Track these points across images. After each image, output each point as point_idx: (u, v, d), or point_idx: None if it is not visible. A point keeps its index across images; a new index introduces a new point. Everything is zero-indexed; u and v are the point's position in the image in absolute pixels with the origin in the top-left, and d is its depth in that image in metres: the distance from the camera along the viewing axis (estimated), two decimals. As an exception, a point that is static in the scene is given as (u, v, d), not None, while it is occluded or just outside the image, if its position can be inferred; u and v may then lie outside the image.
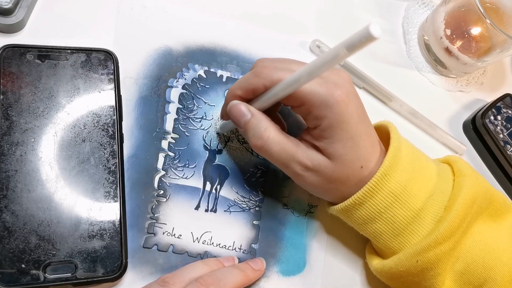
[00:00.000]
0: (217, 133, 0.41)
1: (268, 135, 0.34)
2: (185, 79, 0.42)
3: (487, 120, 0.47)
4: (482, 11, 0.42)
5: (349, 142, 0.34)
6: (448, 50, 0.48)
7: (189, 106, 0.41)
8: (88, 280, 0.32)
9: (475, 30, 0.47)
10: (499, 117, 0.48)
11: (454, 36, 0.48)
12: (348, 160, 0.34)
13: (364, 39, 0.25)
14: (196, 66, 0.42)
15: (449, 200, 0.36)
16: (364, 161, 0.35)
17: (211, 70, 0.43)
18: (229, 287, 0.34)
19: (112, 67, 0.38)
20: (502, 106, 0.48)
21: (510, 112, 0.48)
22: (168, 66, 0.41)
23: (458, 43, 0.48)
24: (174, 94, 0.41)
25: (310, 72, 0.30)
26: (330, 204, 0.39)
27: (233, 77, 0.43)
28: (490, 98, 0.50)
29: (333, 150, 0.34)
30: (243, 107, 0.35)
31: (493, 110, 0.48)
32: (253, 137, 0.35)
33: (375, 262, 0.38)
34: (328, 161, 0.35)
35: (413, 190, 0.35)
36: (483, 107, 0.48)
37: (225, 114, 0.38)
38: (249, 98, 0.36)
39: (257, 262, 0.38)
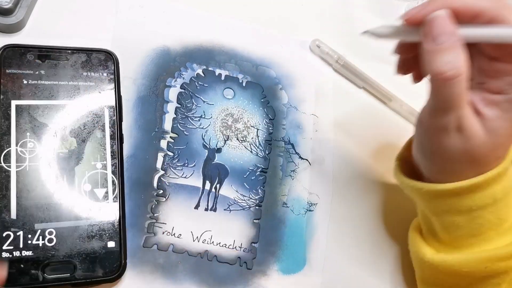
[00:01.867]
0: (369, 33, 0.32)
1: (463, 72, 0.28)
2: (184, 78, 0.41)
3: None
4: None
5: None
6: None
7: (188, 105, 0.41)
8: (87, 280, 0.32)
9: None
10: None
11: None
12: (499, 143, 0.31)
13: None
14: (194, 65, 0.42)
15: None
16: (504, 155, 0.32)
17: (209, 69, 0.43)
18: None
19: (113, 68, 0.38)
20: None
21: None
22: (166, 65, 0.41)
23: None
24: (172, 93, 0.41)
25: None
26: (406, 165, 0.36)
27: (231, 75, 0.43)
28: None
29: (500, 123, 0.30)
30: (452, 26, 0.29)
31: None
32: (446, 64, 0.28)
33: (433, 255, 0.35)
34: (482, 135, 0.31)
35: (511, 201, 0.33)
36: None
37: (416, 19, 0.30)
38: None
39: None
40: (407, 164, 0.38)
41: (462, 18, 0.29)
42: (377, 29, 0.31)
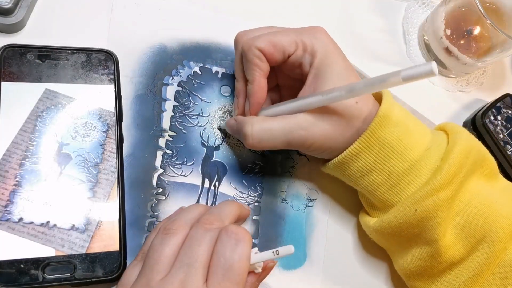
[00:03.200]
0: (219, 128, 0.41)
1: (251, 128, 0.35)
2: (181, 76, 0.41)
3: (487, 120, 0.47)
4: (482, 11, 0.42)
5: (341, 75, 0.35)
6: (448, 50, 0.48)
7: (185, 103, 0.41)
8: (87, 280, 0.32)
9: (475, 30, 0.47)
10: (499, 117, 0.48)
11: (454, 36, 0.48)
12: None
13: (424, 74, 0.27)
14: (191, 63, 0.42)
15: (445, 152, 0.36)
16: (358, 97, 0.35)
17: (206, 66, 0.42)
18: (229, 219, 0.33)
19: (113, 68, 0.38)
20: (502, 106, 0.48)
21: (510, 112, 0.48)
22: (163, 63, 0.41)
23: (458, 43, 0.48)
24: (170, 91, 0.41)
25: (352, 90, 0.32)
26: (325, 162, 0.39)
27: (228, 72, 0.43)
28: (490, 98, 0.50)
29: (328, 87, 0.35)
30: (231, 120, 0.39)
31: (493, 110, 0.48)
32: (243, 139, 0.36)
33: (373, 222, 0.38)
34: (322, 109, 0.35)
35: (409, 142, 0.36)
36: (483, 107, 0.48)
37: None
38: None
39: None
40: None
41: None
42: (222, 125, 0.41)
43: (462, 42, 0.47)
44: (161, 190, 0.38)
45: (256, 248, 0.31)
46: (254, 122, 0.36)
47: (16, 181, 0.33)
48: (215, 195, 0.39)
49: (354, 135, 0.36)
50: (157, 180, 0.38)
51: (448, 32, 0.48)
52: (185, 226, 0.32)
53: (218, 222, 0.32)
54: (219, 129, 0.41)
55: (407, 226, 0.35)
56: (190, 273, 0.29)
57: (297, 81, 0.38)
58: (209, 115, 0.41)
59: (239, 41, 0.38)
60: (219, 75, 0.43)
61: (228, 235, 0.30)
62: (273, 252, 0.30)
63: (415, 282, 0.38)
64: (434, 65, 0.27)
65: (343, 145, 0.36)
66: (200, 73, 0.42)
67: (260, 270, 0.32)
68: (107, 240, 0.34)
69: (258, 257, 0.31)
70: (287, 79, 0.40)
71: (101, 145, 0.36)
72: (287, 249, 0.30)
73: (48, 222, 0.33)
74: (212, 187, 0.40)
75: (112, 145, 0.36)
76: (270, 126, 0.35)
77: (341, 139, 0.36)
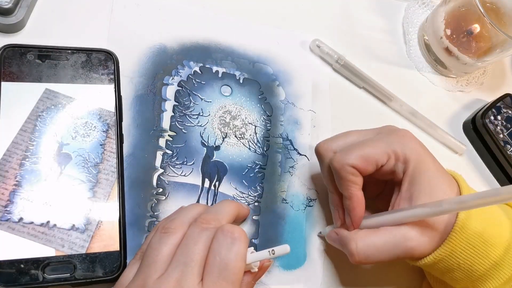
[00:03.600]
0: (319, 235, 0.41)
1: (355, 246, 0.35)
2: (181, 76, 0.41)
3: (487, 120, 0.47)
4: (482, 11, 0.42)
5: (435, 179, 0.35)
6: (448, 50, 0.48)
7: (186, 103, 0.41)
8: (87, 280, 0.32)
9: (475, 30, 0.47)
10: (499, 117, 0.48)
11: (454, 36, 0.48)
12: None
13: None
14: (191, 63, 0.42)
15: None
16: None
17: (206, 66, 0.42)
18: (227, 219, 0.33)
19: (113, 68, 0.38)
20: (502, 106, 0.48)
21: (510, 112, 0.48)
22: (163, 63, 0.41)
23: (458, 43, 0.47)
24: (170, 91, 0.41)
25: (462, 202, 0.32)
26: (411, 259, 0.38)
27: (228, 72, 0.43)
28: (490, 98, 0.50)
29: (424, 192, 0.35)
30: (332, 233, 0.38)
31: (493, 110, 0.48)
32: (349, 256, 0.36)
33: None
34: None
35: (490, 238, 0.34)
36: (483, 107, 0.48)
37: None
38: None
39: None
40: None
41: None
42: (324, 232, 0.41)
43: (462, 42, 0.47)
44: (161, 190, 0.38)
45: (252, 248, 0.31)
46: (358, 239, 0.35)
47: (16, 181, 0.33)
48: (215, 195, 0.39)
49: (442, 232, 0.35)
50: (157, 180, 0.38)
51: (448, 32, 0.48)
52: (183, 225, 0.32)
53: (215, 222, 0.32)
54: (319, 236, 0.41)
55: None
56: (186, 272, 0.29)
57: (387, 184, 0.39)
58: (209, 114, 0.41)
59: (324, 155, 0.37)
60: (220, 75, 0.43)
61: (224, 234, 0.30)
62: (269, 251, 0.31)
63: None
64: None
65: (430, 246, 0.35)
66: (201, 72, 0.42)
67: (256, 270, 0.32)
68: (107, 240, 0.34)
69: (254, 256, 0.31)
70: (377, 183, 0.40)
71: (101, 145, 0.36)
72: (282, 249, 0.30)
73: (48, 222, 0.33)
74: (212, 187, 0.40)
75: (112, 145, 0.36)
76: (375, 241, 0.35)
77: (431, 243, 0.35)
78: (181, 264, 0.29)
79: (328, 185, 0.39)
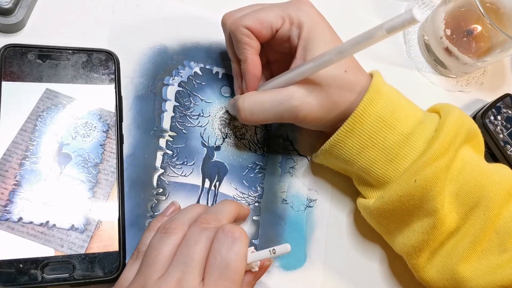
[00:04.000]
0: (226, 111, 0.42)
1: (242, 102, 0.37)
2: (181, 76, 0.41)
3: (487, 120, 0.47)
4: (482, 11, 0.42)
5: (329, 45, 0.35)
6: (448, 50, 0.48)
7: (186, 103, 0.41)
8: (86, 280, 0.32)
9: (475, 30, 0.47)
10: (499, 117, 0.48)
11: (454, 36, 0.48)
12: (330, 69, 0.35)
13: (407, 22, 0.27)
14: (192, 63, 0.42)
15: (439, 123, 0.36)
16: (346, 66, 0.36)
17: (207, 67, 0.42)
18: (227, 218, 0.33)
19: (113, 68, 0.38)
20: (502, 106, 0.48)
21: (510, 112, 0.48)
22: (163, 64, 0.41)
23: (458, 43, 0.47)
24: (170, 92, 0.41)
25: (341, 51, 0.31)
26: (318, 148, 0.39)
27: (229, 73, 0.43)
28: (490, 98, 0.50)
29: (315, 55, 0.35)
30: (231, 101, 0.40)
31: (493, 110, 0.48)
32: (238, 114, 0.37)
33: (373, 201, 0.38)
34: (315, 79, 0.36)
35: (402, 116, 0.36)
36: (483, 107, 0.48)
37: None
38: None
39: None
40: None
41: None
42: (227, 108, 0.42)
43: (462, 42, 0.47)
44: (161, 190, 0.38)
45: (253, 247, 0.31)
46: (246, 96, 0.37)
47: (16, 180, 0.33)
48: (215, 195, 0.39)
49: (347, 109, 0.36)
50: (158, 180, 0.38)
51: (448, 32, 0.48)
52: (184, 225, 0.32)
53: (216, 222, 0.32)
54: (227, 111, 0.42)
55: (408, 199, 0.35)
56: (186, 272, 0.29)
57: (287, 56, 0.39)
58: (209, 115, 0.41)
59: (226, 23, 0.38)
60: (220, 76, 0.43)
61: (225, 234, 0.30)
62: (269, 251, 0.30)
63: (417, 259, 0.37)
64: (415, 11, 0.26)
65: (338, 118, 0.37)
66: (201, 73, 0.42)
67: (257, 269, 0.32)
68: (107, 241, 0.34)
69: (255, 256, 0.31)
70: (277, 54, 0.40)
71: (101, 145, 0.36)
72: (283, 248, 0.30)
73: (47, 222, 0.33)
74: (213, 188, 0.40)
75: (112, 145, 0.36)
76: (261, 99, 0.36)
77: (335, 112, 0.36)
78: (181, 264, 0.29)
79: (230, 55, 0.40)
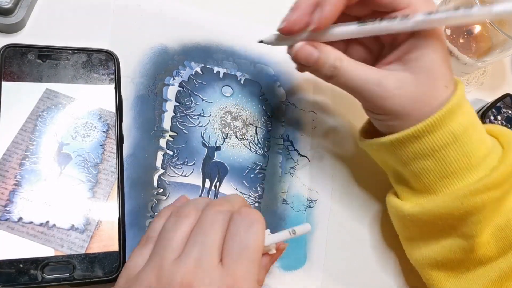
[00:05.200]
0: (262, 42, 0.37)
1: (340, 64, 0.34)
2: (182, 76, 0.41)
3: (487, 120, 0.47)
4: None
5: (440, 59, 0.34)
6: (448, 50, 0.48)
7: (187, 103, 0.41)
8: (86, 280, 0.32)
9: (475, 30, 0.47)
10: (499, 117, 0.48)
11: (454, 36, 0.47)
12: (436, 75, 0.34)
13: None
14: (192, 63, 0.42)
15: (502, 155, 0.35)
16: (447, 81, 0.34)
17: (208, 67, 0.42)
18: (239, 205, 0.32)
19: (113, 68, 0.38)
20: (502, 106, 0.48)
21: (510, 112, 0.48)
22: (164, 64, 0.41)
23: (458, 43, 0.47)
24: (171, 92, 0.41)
25: (430, 14, 0.31)
26: (372, 136, 0.38)
27: (229, 73, 0.43)
28: (490, 98, 0.50)
29: (424, 62, 0.33)
30: (309, 47, 0.34)
31: (493, 110, 0.48)
32: (326, 70, 0.34)
33: (409, 206, 0.37)
34: (413, 76, 0.34)
35: (473, 137, 0.34)
36: (483, 107, 0.48)
37: (287, 31, 0.34)
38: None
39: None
40: (371, 135, 0.39)
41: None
42: (267, 38, 0.37)
43: (462, 42, 0.47)
44: (161, 190, 0.38)
45: (268, 230, 0.30)
46: (345, 58, 0.34)
47: (16, 180, 0.33)
48: (215, 195, 0.39)
49: (424, 116, 0.34)
50: (158, 181, 0.38)
51: (448, 32, 0.48)
52: (197, 210, 0.30)
53: (229, 206, 0.31)
54: (261, 42, 0.37)
55: (448, 217, 0.34)
56: (204, 252, 0.28)
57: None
58: (210, 115, 0.41)
59: None
60: (221, 75, 0.43)
61: (242, 216, 0.29)
62: (289, 231, 0.30)
63: (436, 272, 0.37)
64: None
65: (412, 122, 0.34)
66: (202, 73, 0.42)
67: (274, 251, 0.31)
68: (107, 241, 0.33)
69: (274, 237, 0.30)
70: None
71: (101, 145, 0.36)
72: (303, 228, 0.30)
73: (47, 222, 0.33)
74: (213, 188, 0.39)
75: (112, 145, 0.36)
76: (361, 69, 0.34)
77: (414, 116, 0.34)
78: (198, 243, 0.28)
79: None
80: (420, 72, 0.34)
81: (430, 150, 0.34)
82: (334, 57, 0.34)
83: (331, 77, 0.35)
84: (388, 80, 0.34)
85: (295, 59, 0.35)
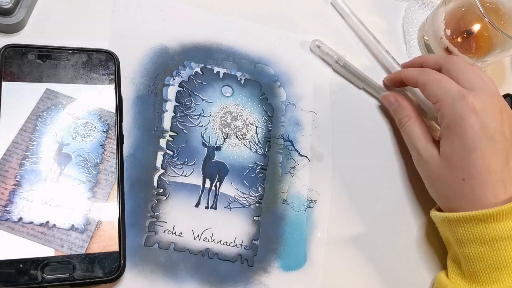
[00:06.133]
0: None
1: (406, 122, 0.43)
2: (182, 76, 0.41)
3: None
4: (482, 11, 0.42)
5: (459, 149, 0.37)
6: (448, 50, 0.48)
7: (187, 103, 0.41)
8: (86, 280, 0.32)
9: (475, 30, 0.47)
10: (499, 117, 0.47)
11: (454, 36, 0.47)
12: (452, 164, 0.37)
13: None
14: (192, 63, 0.42)
15: None
16: (468, 175, 0.36)
17: (208, 67, 0.42)
18: None
19: (113, 68, 0.38)
20: None
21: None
22: (164, 64, 0.41)
23: (458, 43, 0.47)
24: (171, 92, 0.41)
25: None
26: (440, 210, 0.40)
27: (230, 73, 0.43)
28: (490, 98, 0.50)
29: (444, 149, 0.38)
30: (391, 98, 0.45)
31: None
32: (397, 121, 0.44)
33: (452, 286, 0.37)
34: (438, 158, 0.39)
35: None
36: (483, 107, 0.48)
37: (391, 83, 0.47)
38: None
39: None
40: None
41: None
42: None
43: (462, 42, 0.47)
44: (161, 190, 0.38)
45: None
46: (412, 118, 0.43)
47: (16, 180, 0.33)
48: (216, 195, 0.39)
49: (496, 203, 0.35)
50: (158, 180, 0.38)
51: (448, 32, 0.48)
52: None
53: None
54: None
55: None
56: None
57: None
58: (210, 115, 0.41)
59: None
60: (221, 76, 0.43)
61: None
62: None
63: None
64: None
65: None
66: (202, 73, 0.42)
67: None
68: (107, 241, 0.33)
69: None
70: None
71: (101, 145, 0.36)
72: None
73: (47, 222, 0.33)
74: (213, 188, 0.39)
75: (112, 145, 0.36)
76: (411, 132, 0.42)
77: (446, 191, 0.38)
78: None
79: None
80: (442, 156, 0.39)
81: (490, 238, 0.34)
82: (404, 114, 0.43)
83: (399, 127, 0.44)
84: (424, 151, 0.40)
85: (382, 101, 0.47)
